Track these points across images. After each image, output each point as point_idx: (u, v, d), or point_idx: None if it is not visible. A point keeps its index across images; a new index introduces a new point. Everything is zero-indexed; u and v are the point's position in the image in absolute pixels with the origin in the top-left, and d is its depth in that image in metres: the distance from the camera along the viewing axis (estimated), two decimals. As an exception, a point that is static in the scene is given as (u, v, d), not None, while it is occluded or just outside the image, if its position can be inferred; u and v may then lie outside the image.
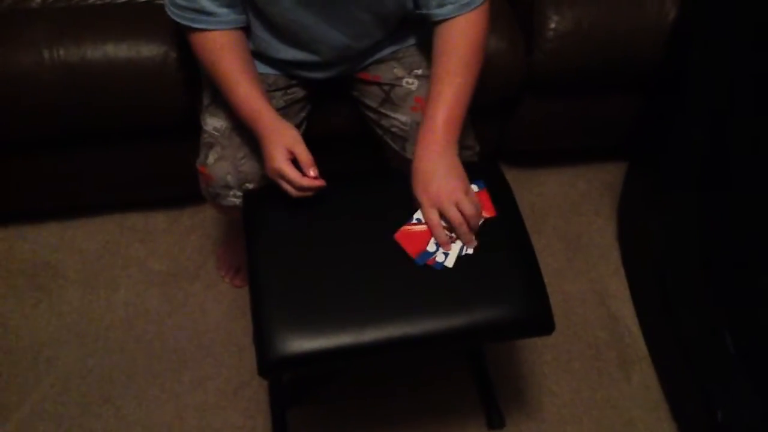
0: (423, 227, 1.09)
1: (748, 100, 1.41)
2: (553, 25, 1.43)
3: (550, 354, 1.54)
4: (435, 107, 1.09)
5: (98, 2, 1.38)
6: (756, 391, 1.33)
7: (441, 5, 1.09)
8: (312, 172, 1.05)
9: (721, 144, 1.48)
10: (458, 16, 1.09)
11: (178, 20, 1.11)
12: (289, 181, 1.05)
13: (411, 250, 1.08)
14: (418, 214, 1.10)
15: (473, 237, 1.08)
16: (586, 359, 1.54)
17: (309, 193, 1.07)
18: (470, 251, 1.08)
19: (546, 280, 1.12)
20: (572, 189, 1.80)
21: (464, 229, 1.07)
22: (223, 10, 1.09)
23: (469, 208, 1.06)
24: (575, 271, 1.66)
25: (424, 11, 1.12)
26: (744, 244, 1.53)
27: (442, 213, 1.07)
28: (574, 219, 1.74)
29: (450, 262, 1.07)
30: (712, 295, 1.44)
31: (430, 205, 1.07)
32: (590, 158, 1.83)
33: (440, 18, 1.10)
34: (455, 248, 1.08)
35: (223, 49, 1.11)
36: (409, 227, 1.09)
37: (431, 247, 1.08)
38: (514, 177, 1.79)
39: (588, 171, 1.82)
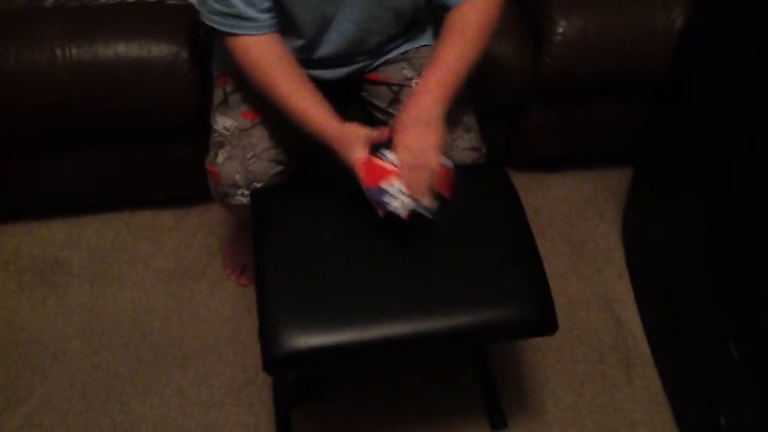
0: (388, 165, 1.05)
1: (753, 106, 1.42)
2: (561, 31, 1.44)
3: (553, 356, 1.54)
4: (432, 68, 1.11)
5: (110, 2, 1.40)
6: (759, 396, 1.33)
7: None
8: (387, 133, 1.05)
9: (725, 150, 1.49)
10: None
11: (220, 27, 1.09)
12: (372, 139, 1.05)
13: (369, 179, 1.04)
14: (389, 155, 1.06)
15: (422, 190, 1.04)
16: (589, 362, 1.54)
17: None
18: (426, 212, 1.04)
19: (551, 284, 1.13)
20: (578, 193, 1.80)
21: (416, 174, 1.04)
22: (263, 15, 1.08)
23: (431, 160, 1.04)
24: (580, 274, 1.67)
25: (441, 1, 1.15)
26: (748, 250, 1.54)
27: (405, 153, 1.05)
28: (580, 223, 1.75)
29: (402, 210, 1.03)
30: (716, 300, 1.44)
31: (404, 147, 1.05)
32: (596, 163, 1.84)
33: (456, 4, 1.13)
34: (410, 201, 1.04)
35: (274, 67, 1.11)
36: (377, 160, 1.06)
37: (389, 187, 1.04)
38: (520, 181, 1.79)
39: (594, 176, 1.83)
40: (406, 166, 1.04)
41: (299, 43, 1.20)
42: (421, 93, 1.10)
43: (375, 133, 1.06)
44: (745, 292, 1.48)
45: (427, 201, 1.04)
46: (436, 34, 1.30)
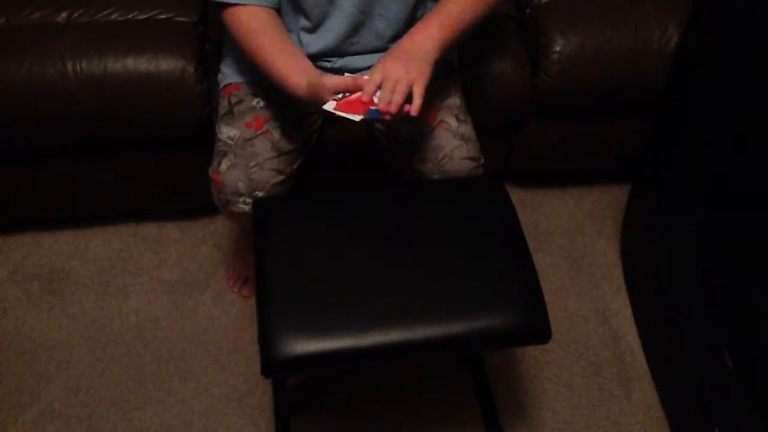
0: (355, 96, 1.08)
1: (749, 122, 1.44)
2: (558, 48, 1.48)
3: (551, 370, 1.56)
4: (436, 11, 1.15)
5: (121, 18, 1.44)
6: (755, 409, 1.34)
7: None
8: (360, 82, 1.07)
9: (722, 166, 1.51)
10: None
11: None
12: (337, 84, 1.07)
13: (354, 111, 1.07)
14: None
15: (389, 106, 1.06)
16: (587, 376, 1.55)
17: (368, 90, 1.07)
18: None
19: (549, 298, 1.15)
20: (576, 209, 1.83)
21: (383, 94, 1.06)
22: None
23: (400, 94, 1.06)
24: (578, 289, 1.68)
25: None
26: (745, 265, 1.56)
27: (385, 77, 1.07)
28: (578, 239, 1.77)
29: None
30: (712, 315, 1.46)
31: (381, 71, 1.08)
32: (595, 179, 1.86)
33: None
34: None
35: (260, 33, 1.16)
36: (345, 99, 1.09)
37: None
38: (519, 196, 1.82)
39: (592, 192, 1.85)
40: (373, 84, 1.06)
41: (306, 24, 1.23)
42: (419, 30, 1.13)
43: (344, 85, 1.07)
44: (742, 306, 1.50)
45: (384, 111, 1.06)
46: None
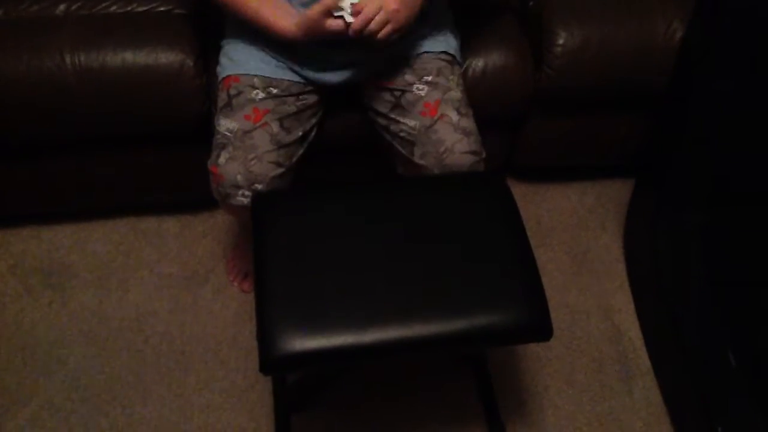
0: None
1: (752, 118, 1.43)
2: (561, 42, 1.46)
3: (553, 366, 1.55)
4: None
5: (119, 10, 1.43)
6: (757, 406, 1.33)
7: None
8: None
9: (725, 162, 1.50)
10: None
11: None
12: (314, 17, 1.14)
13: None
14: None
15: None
16: (589, 372, 1.54)
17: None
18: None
19: (551, 294, 1.14)
20: (579, 204, 1.81)
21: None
22: None
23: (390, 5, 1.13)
24: (581, 285, 1.67)
25: None
26: (748, 262, 1.55)
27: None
28: (581, 234, 1.76)
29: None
30: (715, 311, 1.45)
31: None
32: (598, 174, 1.85)
33: None
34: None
35: None
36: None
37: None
38: (522, 191, 1.81)
39: (595, 187, 1.84)
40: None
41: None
42: None
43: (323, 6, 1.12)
44: (744, 302, 1.49)
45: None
46: (439, 43, 1.33)
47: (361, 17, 1.12)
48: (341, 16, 1.14)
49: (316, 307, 1.08)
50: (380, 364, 1.49)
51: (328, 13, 1.13)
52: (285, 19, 1.20)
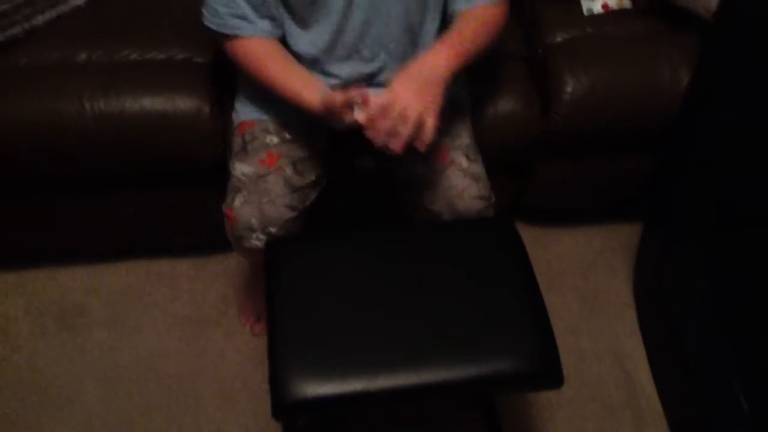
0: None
1: (759, 163, 1.44)
2: (569, 89, 1.49)
3: (563, 412, 1.54)
4: (447, 39, 1.17)
5: (139, 58, 1.48)
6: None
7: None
8: (340, 96, 1.09)
9: (733, 205, 1.51)
10: (480, 5, 1.22)
11: (220, 29, 1.20)
12: (336, 103, 1.09)
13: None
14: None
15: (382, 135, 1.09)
16: (600, 419, 1.53)
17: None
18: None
19: (561, 338, 1.14)
20: (589, 248, 1.82)
21: (384, 120, 1.08)
22: (264, 22, 1.19)
23: (411, 116, 1.07)
24: (591, 329, 1.67)
25: (450, 8, 1.24)
26: (761, 305, 1.54)
27: (401, 107, 1.07)
28: (591, 278, 1.76)
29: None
30: (727, 358, 1.44)
31: (391, 90, 1.09)
32: (606, 218, 1.86)
33: (466, 7, 1.22)
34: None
35: (267, 56, 1.21)
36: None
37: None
38: (531, 234, 1.81)
39: (604, 230, 1.85)
40: (379, 106, 1.07)
41: (320, 43, 1.25)
42: (429, 55, 1.14)
43: (332, 96, 1.10)
44: (756, 347, 1.48)
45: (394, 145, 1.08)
46: (449, 91, 1.35)
47: (372, 133, 1.09)
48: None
49: (328, 352, 1.09)
50: (389, 410, 1.49)
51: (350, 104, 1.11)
52: (310, 90, 1.17)
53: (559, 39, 1.57)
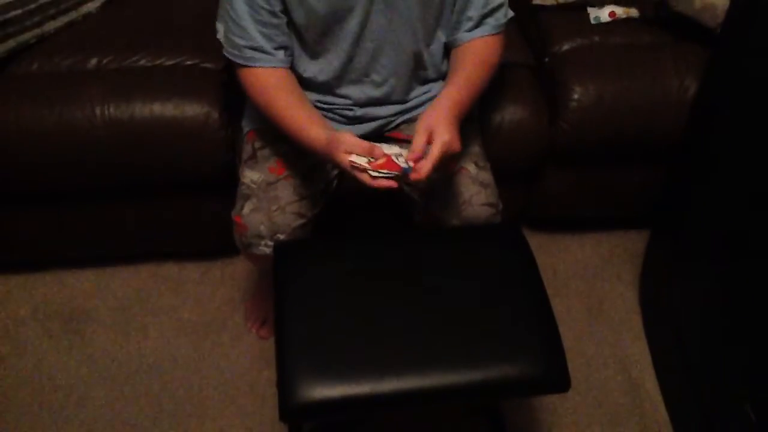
0: (382, 160, 1.07)
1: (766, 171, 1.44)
2: (576, 97, 1.50)
3: (569, 418, 1.54)
4: (450, 89, 1.18)
5: (148, 64, 1.49)
6: (777, 463, 1.32)
7: (469, 30, 1.24)
8: (377, 152, 1.07)
9: (740, 213, 1.51)
10: (480, 37, 1.24)
11: (237, 60, 1.20)
12: (360, 166, 1.07)
13: (396, 168, 1.08)
14: (356, 158, 1.07)
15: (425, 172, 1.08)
16: (605, 425, 1.53)
17: (390, 181, 1.08)
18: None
19: (567, 344, 1.14)
20: (595, 255, 1.82)
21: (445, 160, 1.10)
22: (279, 53, 1.20)
23: (456, 149, 1.11)
24: (597, 336, 1.67)
25: (453, 36, 1.26)
26: (766, 312, 1.54)
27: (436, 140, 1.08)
28: (597, 284, 1.77)
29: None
30: (733, 363, 1.44)
31: (441, 139, 1.09)
32: (613, 225, 1.86)
33: (466, 40, 1.25)
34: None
35: (278, 88, 1.21)
36: (374, 164, 1.07)
37: (403, 165, 1.08)
38: (538, 242, 1.82)
39: (611, 237, 1.85)
40: (440, 154, 1.08)
41: (330, 71, 1.26)
42: (442, 100, 1.16)
43: (355, 147, 1.08)
44: (764, 355, 1.48)
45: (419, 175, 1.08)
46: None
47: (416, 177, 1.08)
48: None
49: (336, 355, 1.09)
50: (396, 414, 1.49)
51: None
52: (317, 127, 1.16)
53: (566, 47, 1.58)
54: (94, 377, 1.57)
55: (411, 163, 1.07)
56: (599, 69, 1.52)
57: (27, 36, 1.47)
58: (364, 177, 1.07)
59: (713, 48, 1.50)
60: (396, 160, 1.08)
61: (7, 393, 1.54)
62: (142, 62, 1.49)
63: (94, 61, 1.47)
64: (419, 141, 1.08)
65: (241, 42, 1.18)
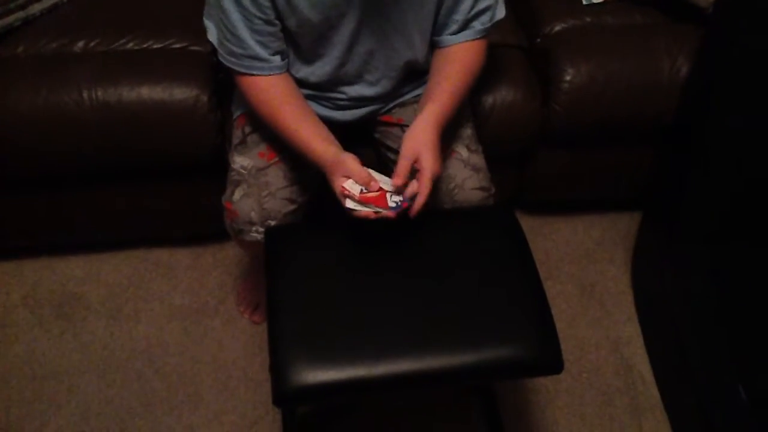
0: (374, 194, 1.10)
1: (759, 152, 1.44)
2: (568, 79, 1.49)
3: (562, 399, 1.55)
4: (433, 106, 1.17)
5: (136, 47, 1.47)
6: (768, 442, 1.33)
7: (454, 33, 1.22)
8: (373, 185, 1.09)
9: (732, 196, 1.51)
10: (464, 42, 1.23)
11: (236, 68, 1.18)
12: (349, 193, 1.09)
13: (383, 205, 1.10)
14: (350, 185, 1.09)
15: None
16: (598, 406, 1.54)
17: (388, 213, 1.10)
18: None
19: (560, 326, 1.15)
20: (587, 237, 1.83)
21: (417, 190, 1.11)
22: (275, 57, 1.18)
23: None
24: (589, 317, 1.68)
25: (437, 37, 1.24)
26: (758, 295, 1.55)
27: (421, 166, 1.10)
28: (589, 266, 1.77)
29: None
30: (725, 343, 1.45)
31: (430, 171, 1.10)
32: (606, 207, 1.86)
33: (449, 43, 1.23)
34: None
35: (282, 101, 1.19)
36: (365, 195, 1.10)
37: (392, 203, 1.11)
38: (530, 224, 1.82)
39: (603, 220, 1.85)
40: (431, 185, 1.10)
41: (323, 74, 1.25)
42: (425, 118, 1.15)
43: (354, 173, 1.09)
44: (755, 336, 1.49)
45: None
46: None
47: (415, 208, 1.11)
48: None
49: (328, 340, 1.09)
50: (390, 397, 1.49)
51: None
52: (324, 141, 1.16)
53: (558, 28, 1.57)
54: (86, 364, 1.56)
55: (401, 202, 1.11)
56: (591, 50, 1.51)
57: (11, 19, 1.45)
58: (346, 203, 1.09)
59: (706, 28, 1.50)
60: (388, 199, 1.10)
61: (-1, 380, 1.53)
62: (130, 45, 1.47)
63: (81, 44, 1.45)
64: (404, 165, 1.11)
65: (239, 51, 1.16)
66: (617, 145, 1.63)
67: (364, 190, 1.09)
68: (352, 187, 1.09)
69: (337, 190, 1.10)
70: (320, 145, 1.15)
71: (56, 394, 1.52)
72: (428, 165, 1.10)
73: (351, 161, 1.10)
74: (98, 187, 1.55)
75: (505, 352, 1.09)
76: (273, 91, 1.19)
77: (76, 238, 1.71)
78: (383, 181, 1.12)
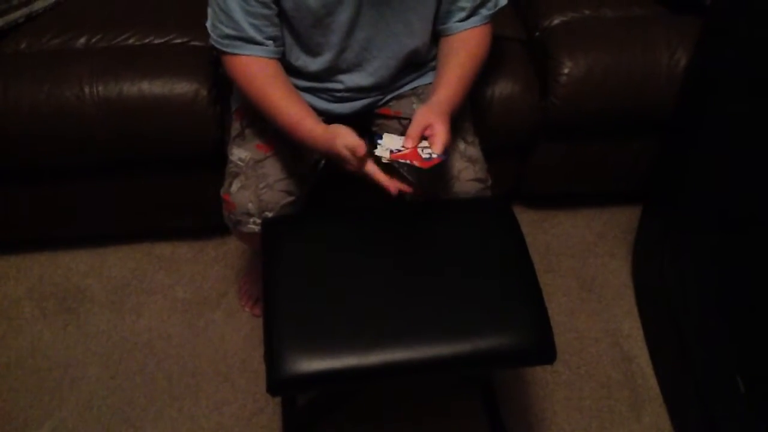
0: (407, 150, 1.09)
1: (759, 143, 1.44)
2: (566, 71, 1.49)
3: (561, 392, 1.55)
4: (443, 91, 1.19)
5: (137, 42, 1.48)
6: (767, 433, 1.32)
7: (462, 20, 1.24)
8: (360, 151, 1.08)
9: (732, 187, 1.51)
10: (474, 28, 1.24)
11: (224, 49, 1.18)
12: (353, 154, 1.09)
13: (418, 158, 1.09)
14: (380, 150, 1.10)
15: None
16: (597, 398, 1.54)
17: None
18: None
19: (560, 319, 1.15)
20: (587, 230, 1.83)
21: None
22: (269, 42, 1.18)
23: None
24: (589, 310, 1.68)
25: (443, 25, 1.25)
26: (758, 289, 1.54)
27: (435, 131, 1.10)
28: (589, 260, 1.77)
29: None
30: (724, 336, 1.44)
31: (443, 134, 1.10)
32: (605, 201, 1.86)
33: (457, 30, 1.24)
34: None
35: (268, 78, 1.19)
36: (396, 154, 1.09)
37: (426, 155, 1.09)
38: (530, 218, 1.83)
39: (603, 213, 1.85)
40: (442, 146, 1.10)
41: (322, 62, 1.25)
42: (436, 100, 1.17)
43: (350, 144, 1.09)
44: (754, 328, 1.48)
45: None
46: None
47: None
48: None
49: (323, 329, 1.10)
50: (386, 386, 1.50)
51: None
52: (312, 119, 1.17)
53: (556, 21, 1.57)
54: (89, 356, 1.58)
55: (433, 155, 1.08)
56: (590, 42, 1.51)
57: (15, 15, 1.47)
58: (380, 177, 1.09)
59: (704, 20, 1.49)
60: (421, 152, 1.09)
61: (3, 372, 1.55)
62: (131, 41, 1.49)
63: (82, 40, 1.47)
64: (416, 129, 1.10)
65: (229, 31, 1.16)
66: (616, 137, 1.63)
67: (394, 150, 1.09)
68: (385, 145, 1.08)
69: (342, 153, 1.09)
70: (310, 121, 1.16)
71: (60, 386, 1.54)
72: (441, 130, 1.09)
73: (345, 130, 1.10)
74: (99, 181, 1.57)
75: (497, 341, 1.09)
76: (262, 72, 1.19)
77: (78, 231, 1.72)
78: (385, 138, 1.11)
